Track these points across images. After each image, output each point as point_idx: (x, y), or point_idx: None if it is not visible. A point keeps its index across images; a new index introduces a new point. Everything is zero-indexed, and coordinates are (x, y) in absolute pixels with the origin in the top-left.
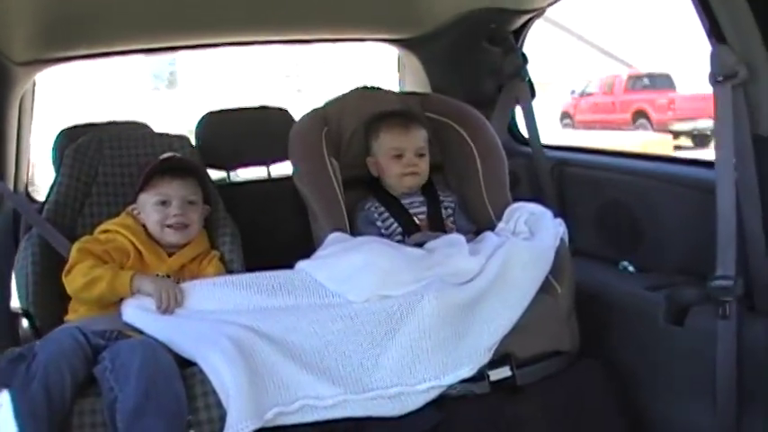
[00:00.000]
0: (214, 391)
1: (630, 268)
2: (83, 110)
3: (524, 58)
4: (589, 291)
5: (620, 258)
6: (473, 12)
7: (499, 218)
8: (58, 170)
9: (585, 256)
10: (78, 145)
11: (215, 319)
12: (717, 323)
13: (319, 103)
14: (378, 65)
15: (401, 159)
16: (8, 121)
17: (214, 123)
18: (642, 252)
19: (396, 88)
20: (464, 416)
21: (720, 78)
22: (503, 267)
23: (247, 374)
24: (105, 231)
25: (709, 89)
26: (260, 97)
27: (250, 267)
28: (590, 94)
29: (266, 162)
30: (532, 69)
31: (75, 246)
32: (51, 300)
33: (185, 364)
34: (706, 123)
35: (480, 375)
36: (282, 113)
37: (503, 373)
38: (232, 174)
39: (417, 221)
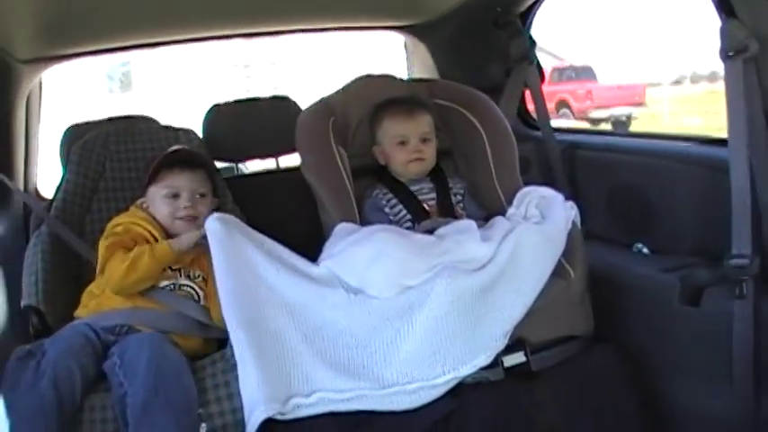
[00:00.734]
0: (225, 384)
1: (645, 250)
2: None
3: (532, 42)
4: (602, 274)
5: (633, 240)
6: None
7: (510, 202)
8: (65, 167)
9: (598, 238)
10: (85, 141)
11: (260, 296)
12: (733, 303)
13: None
14: (363, 53)
15: (406, 146)
16: (16, 119)
17: (221, 115)
18: (655, 233)
19: (403, 76)
20: (478, 403)
21: (731, 53)
22: (514, 252)
23: (274, 362)
24: (119, 224)
25: (624, 80)
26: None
27: None
28: None
29: (274, 153)
30: None
31: (102, 244)
32: (61, 296)
33: (195, 358)
34: (621, 111)
35: (494, 362)
36: (290, 104)
37: (517, 358)
38: (240, 165)
39: (426, 207)
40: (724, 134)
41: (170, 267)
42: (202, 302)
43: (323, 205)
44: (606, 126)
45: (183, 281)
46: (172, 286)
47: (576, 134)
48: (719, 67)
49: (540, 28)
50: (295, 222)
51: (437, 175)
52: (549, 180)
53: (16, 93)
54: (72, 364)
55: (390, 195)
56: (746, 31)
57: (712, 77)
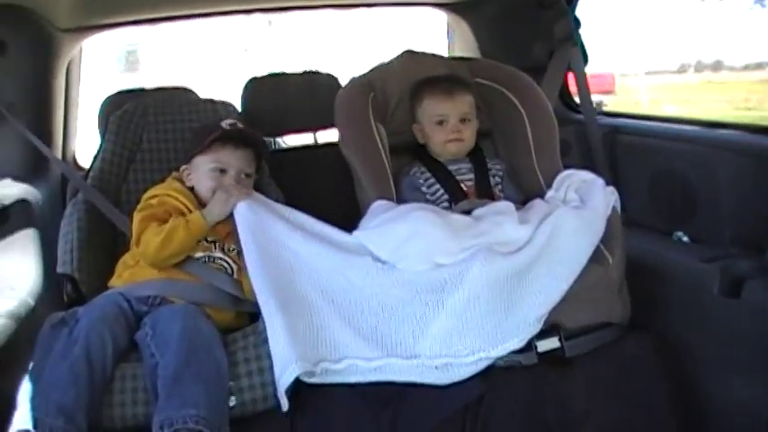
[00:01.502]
0: (257, 357)
1: (685, 239)
2: None
3: (577, 23)
4: (641, 261)
5: (673, 228)
6: None
7: (549, 185)
8: (103, 137)
9: (638, 225)
10: (123, 111)
11: (287, 263)
12: None
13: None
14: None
15: (444, 126)
16: (56, 88)
17: (260, 89)
18: (697, 222)
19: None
20: (510, 387)
21: None
22: (552, 236)
23: (302, 325)
24: (154, 196)
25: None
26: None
27: None
28: None
29: (313, 128)
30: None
31: (136, 216)
32: (96, 265)
33: (227, 331)
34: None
35: (528, 346)
36: (330, 79)
37: (551, 344)
38: (278, 139)
39: (464, 188)
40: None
41: (205, 239)
42: (235, 276)
43: (360, 182)
44: None
45: (218, 253)
46: (206, 258)
47: (619, 118)
48: (726, 57)
49: None
50: (331, 198)
51: (476, 156)
52: (589, 164)
53: (57, 61)
54: (104, 332)
55: (428, 174)
56: None
57: (716, 67)
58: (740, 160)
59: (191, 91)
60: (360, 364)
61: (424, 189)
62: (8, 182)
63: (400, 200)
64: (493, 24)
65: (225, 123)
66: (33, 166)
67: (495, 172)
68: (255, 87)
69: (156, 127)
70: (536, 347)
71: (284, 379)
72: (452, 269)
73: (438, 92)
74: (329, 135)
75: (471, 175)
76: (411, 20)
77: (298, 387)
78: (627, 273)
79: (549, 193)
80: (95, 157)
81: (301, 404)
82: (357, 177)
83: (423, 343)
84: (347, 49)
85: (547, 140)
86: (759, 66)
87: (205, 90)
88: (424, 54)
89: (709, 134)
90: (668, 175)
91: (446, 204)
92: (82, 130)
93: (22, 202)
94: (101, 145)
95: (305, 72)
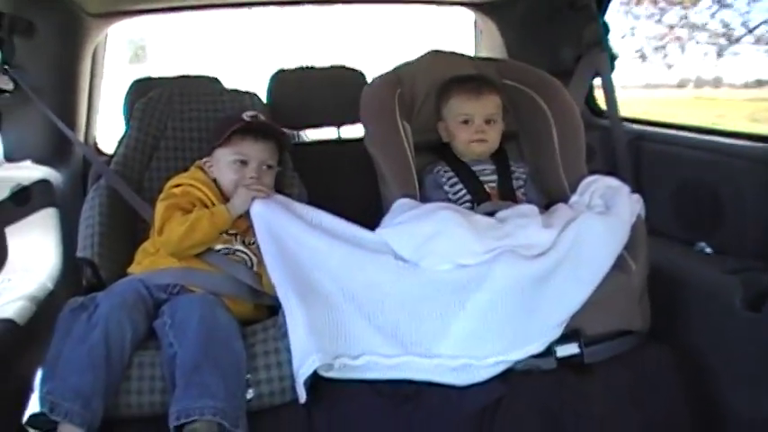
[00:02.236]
0: (276, 351)
1: (708, 250)
2: None
3: (606, 28)
4: (663, 270)
5: (696, 239)
6: None
7: (574, 189)
8: (127, 122)
9: (661, 234)
10: (149, 98)
11: (305, 260)
12: None
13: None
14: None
15: (469, 125)
16: (81, 72)
17: (286, 81)
18: (721, 234)
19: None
20: (528, 391)
21: None
22: (576, 241)
23: (322, 320)
24: (177, 185)
25: None
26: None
27: None
28: None
29: (337, 123)
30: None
31: (160, 205)
32: (116, 250)
33: (246, 323)
34: None
35: (547, 351)
36: (356, 74)
37: (570, 349)
38: (302, 133)
39: (487, 189)
40: None
41: (227, 232)
42: (255, 268)
43: (384, 179)
44: None
45: (239, 246)
46: (227, 250)
47: (645, 125)
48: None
49: None
50: (354, 194)
51: (500, 158)
52: (613, 170)
53: (84, 46)
54: (123, 318)
55: (451, 174)
56: None
57: (716, 83)
58: (764, 171)
59: (217, 80)
60: (378, 361)
61: (446, 188)
62: (28, 164)
63: (423, 197)
64: (521, 26)
65: (246, 115)
66: (55, 150)
67: (519, 175)
68: (282, 79)
69: (180, 115)
70: (555, 352)
71: (303, 370)
72: (475, 270)
73: (465, 91)
74: (353, 130)
75: (494, 177)
76: (439, 18)
77: (315, 382)
78: (648, 281)
79: (574, 198)
80: (119, 143)
81: (319, 398)
82: (381, 174)
83: (442, 343)
84: (374, 47)
85: (572, 144)
86: (758, 83)
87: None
88: (452, 53)
89: (735, 145)
90: (692, 185)
91: (468, 205)
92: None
93: (43, 183)
94: (125, 131)
95: (332, 66)
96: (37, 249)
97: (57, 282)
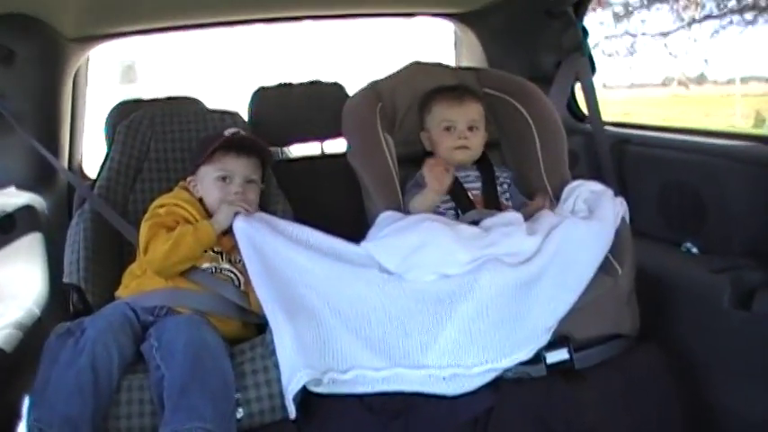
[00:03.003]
0: (264, 369)
1: (694, 250)
2: None
3: (585, 33)
4: (650, 272)
5: (682, 239)
6: None
7: (557, 196)
8: (110, 146)
9: (647, 236)
10: (131, 121)
11: (291, 276)
12: None
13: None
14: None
15: (452, 132)
16: (63, 97)
17: (267, 99)
18: (706, 233)
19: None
20: (519, 399)
21: None
22: (560, 246)
23: (309, 336)
24: (162, 206)
25: None
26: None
27: None
28: None
29: (320, 138)
30: None
31: (145, 225)
32: (103, 275)
33: (234, 342)
34: None
35: (537, 358)
36: (337, 89)
37: (560, 355)
38: (285, 149)
39: (471, 197)
40: None
41: (212, 250)
42: (242, 287)
43: (368, 192)
44: None
45: (225, 264)
46: (213, 269)
47: (627, 128)
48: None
49: None
50: (339, 208)
51: (483, 165)
52: (597, 175)
53: (64, 71)
54: (110, 342)
55: None
56: None
57: (700, 80)
58: (750, 171)
59: (198, 101)
60: (367, 375)
61: None
62: (12, 190)
63: (406, 194)
64: (500, 34)
65: (228, 132)
66: (39, 176)
67: (503, 180)
68: (262, 97)
69: (163, 137)
70: (545, 359)
71: (292, 386)
72: (460, 280)
73: (447, 98)
74: (336, 145)
75: (478, 184)
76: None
77: (305, 398)
78: (635, 284)
79: (558, 206)
80: (102, 167)
81: (309, 415)
82: (365, 187)
83: (430, 354)
84: (354, 60)
85: (554, 150)
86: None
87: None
88: (432, 64)
89: (718, 145)
90: (677, 186)
91: (453, 213)
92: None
93: (28, 210)
94: (107, 154)
95: (312, 82)
96: (23, 276)
97: (44, 308)
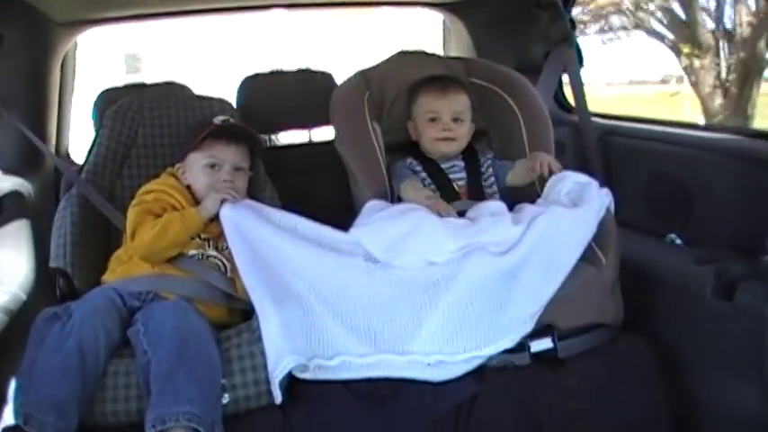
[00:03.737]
0: (251, 355)
1: (678, 241)
2: None
3: (573, 24)
4: (634, 263)
5: (667, 231)
6: None
7: (543, 186)
8: (97, 131)
9: (632, 227)
10: (119, 106)
11: (278, 264)
12: (767, 300)
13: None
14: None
15: (436, 123)
16: (51, 81)
17: (256, 86)
18: (691, 225)
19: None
20: (503, 387)
21: None
22: (543, 235)
23: (295, 322)
24: (149, 192)
25: None
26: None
27: None
28: None
29: (308, 126)
30: None
31: (132, 211)
32: (89, 259)
33: (220, 328)
34: None
35: (521, 346)
36: (325, 77)
37: (544, 344)
38: (273, 137)
39: (456, 188)
40: None
41: (199, 237)
42: (228, 274)
43: (355, 179)
44: None
45: (211, 251)
46: (200, 256)
47: (614, 120)
48: None
49: None
50: (327, 196)
51: (469, 156)
52: (583, 166)
53: (52, 55)
54: (97, 326)
55: (421, 170)
56: None
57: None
58: (734, 163)
59: (186, 87)
60: (353, 361)
61: (419, 176)
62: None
63: (393, 178)
64: (489, 25)
65: (217, 119)
66: (26, 160)
67: (487, 167)
68: (251, 85)
69: (151, 122)
70: (529, 348)
71: (278, 372)
72: (445, 268)
73: (433, 89)
74: (324, 133)
75: (463, 174)
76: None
77: (291, 384)
78: (620, 274)
79: (539, 201)
80: (90, 152)
81: (295, 401)
82: (352, 174)
83: (415, 340)
84: (343, 49)
85: (541, 141)
86: None
87: (204, 89)
88: (419, 53)
89: (703, 137)
90: (662, 178)
91: None
92: (82, 126)
93: (14, 194)
94: (95, 139)
95: (300, 70)
96: (9, 260)
97: (30, 292)
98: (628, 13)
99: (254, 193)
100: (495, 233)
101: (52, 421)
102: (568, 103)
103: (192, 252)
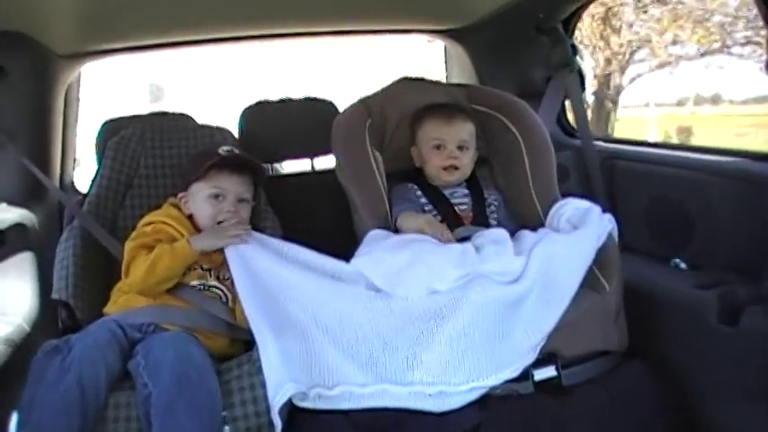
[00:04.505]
0: (251, 387)
1: (682, 265)
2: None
3: (574, 49)
4: (638, 288)
5: (671, 255)
6: (521, 1)
7: (546, 212)
8: (100, 162)
9: (635, 252)
10: (121, 137)
11: (279, 293)
12: None
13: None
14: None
15: (442, 151)
16: (54, 113)
17: (257, 115)
18: (695, 249)
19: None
20: (507, 416)
21: None
22: (543, 264)
23: (296, 351)
24: (149, 224)
25: None
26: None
27: None
28: None
29: (310, 155)
30: None
31: (128, 245)
32: (91, 291)
33: (221, 359)
34: None
35: (524, 375)
36: (327, 105)
37: (548, 372)
38: (275, 165)
39: (459, 213)
40: None
41: (201, 267)
42: (230, 304)
43: (356, 208)
44: None
45: (213, 282)
46: (201, 286)
47: (617, 144)
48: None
49: None
50: (329, 224)
51: (472, 183)
52: (587, 190)
53: (55, 87)
54: (97, 359)
55: (420, 194)
56: None
57: (715, 100)
58: (738, 187)
59: (188, 117)
60: (354, 391)
61: (418, 202)
62: (4, 206)
63: (394, 206)
64: (490, 50)
65: (222, 150)
66: (31, 191)
67: (492, 201)
68: (253, 114)
69: (153, 152)
70: (533, 376)
71: (278, 398)
72: (447, 296)
73: (438, 117)
74: (326, 161)
75: (467, 200)
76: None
77: (291, 415)
78: (624, 300)
79: (545, 224)
80: (92, 183)
81: (295, 431)
82: (353, 203)
83: (417, 371)
84: (345, 76)
85: (544, 167)
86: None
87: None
88: (421, 80)
89: (707, 161)
90: (666, 202)
91: None
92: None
93: (18, 226)
94: (98, 170)
95: (302, 98)
96: (13, 292)
97: (33, 324)
98: None
99: (255, 222)
100: (498, 264)
101: None
102: (572, 127)
103: (194, 282)
